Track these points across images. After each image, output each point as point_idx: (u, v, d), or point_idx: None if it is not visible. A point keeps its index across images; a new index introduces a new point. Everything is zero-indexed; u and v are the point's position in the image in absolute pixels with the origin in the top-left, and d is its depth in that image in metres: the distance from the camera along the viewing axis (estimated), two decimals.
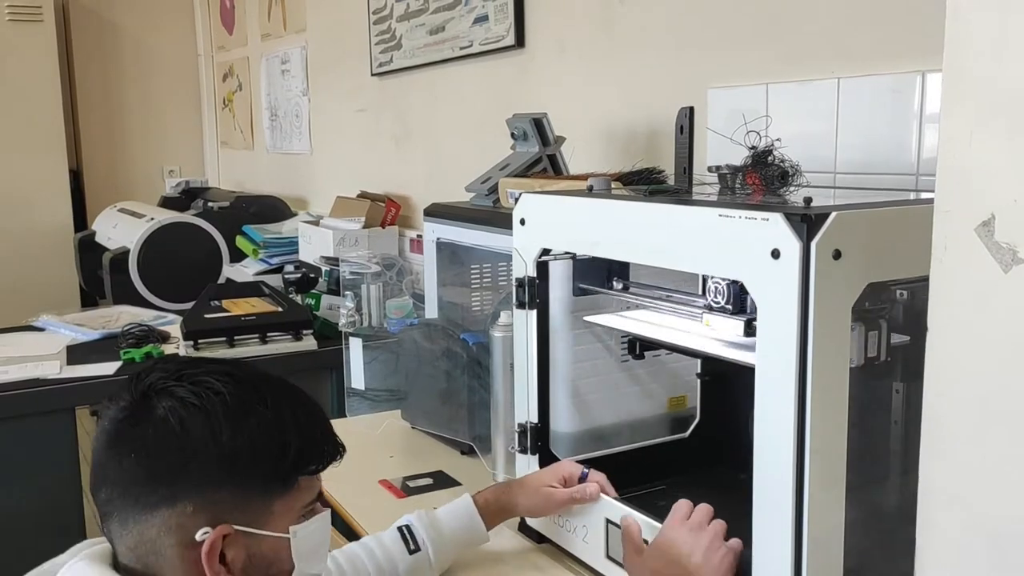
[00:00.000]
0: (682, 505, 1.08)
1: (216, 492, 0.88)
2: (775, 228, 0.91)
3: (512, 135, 1.92)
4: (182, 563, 0.88)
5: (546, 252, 1.28)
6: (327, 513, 0.98)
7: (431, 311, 1.93)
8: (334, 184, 3.52)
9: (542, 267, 1.29)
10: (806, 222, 0.89)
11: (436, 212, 1.91)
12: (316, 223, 3.12)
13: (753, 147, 1.16)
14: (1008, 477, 0.74)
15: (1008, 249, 0.72)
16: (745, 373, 1.42)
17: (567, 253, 1.29)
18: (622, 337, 1.43)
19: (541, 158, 1.90)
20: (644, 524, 1.12)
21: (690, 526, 1.05)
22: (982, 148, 0.73)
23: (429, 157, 2.95)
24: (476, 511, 1.24)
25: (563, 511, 1.25)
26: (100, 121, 4.92)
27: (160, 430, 0.87)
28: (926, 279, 0.78)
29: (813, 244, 0.88)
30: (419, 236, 2.95)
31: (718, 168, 1.19)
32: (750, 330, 1.03)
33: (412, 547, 1.20)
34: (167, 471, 0.87)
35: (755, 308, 1.03)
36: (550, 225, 1.26)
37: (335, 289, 2.74)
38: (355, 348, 1.73)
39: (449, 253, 1.92)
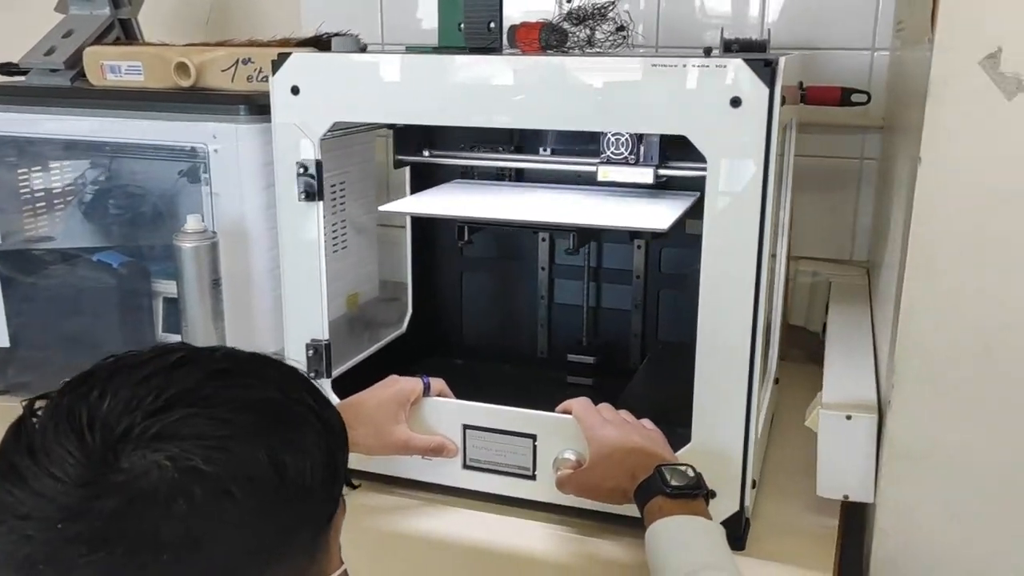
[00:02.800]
0: (584, 409, 1.01)
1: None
2: (737, 75, 0.87)
3: None
4: None
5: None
6: None
7: None
8: None
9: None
10: (770, 67, 0.87)
11: None
12: None
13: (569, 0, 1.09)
14: (997, 295, 0.85)
15: (1013, 78, 0.81)
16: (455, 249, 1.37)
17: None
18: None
19: (114, 23, 1.48)
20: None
21: (613, 423, 0.98)
22: None
23: None
24: None
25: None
26: None
27: (182, 514, 0.50)
28: None
29: (776, 89, 0.88)
30: None
31: (514, 27, 1.09)
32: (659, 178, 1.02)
33: None
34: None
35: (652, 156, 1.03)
36: (348, 92, 1.01)
37: None
38: None
39: None
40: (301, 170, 1.02)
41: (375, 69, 1.00)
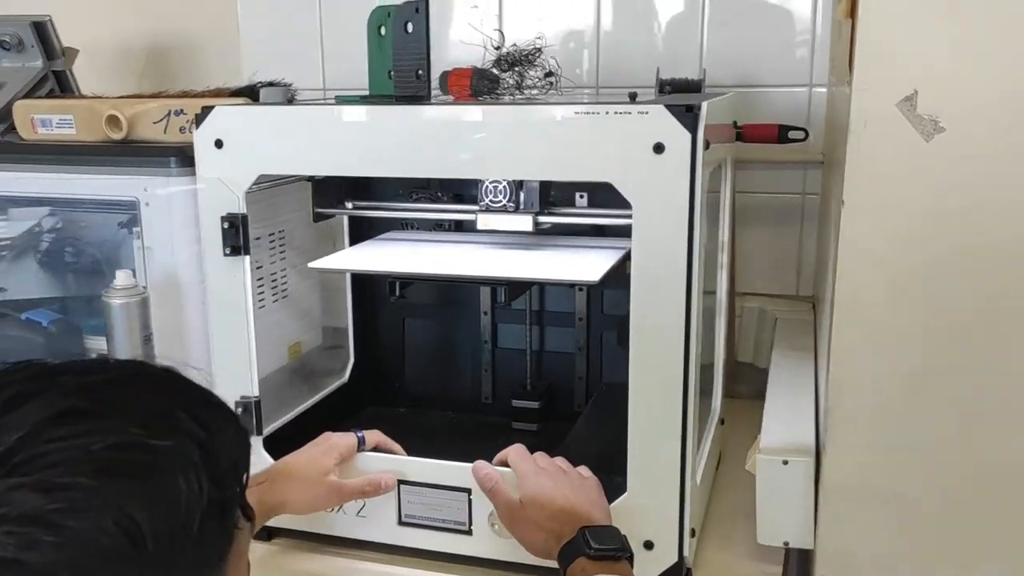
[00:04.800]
0: (519, 457, 0.98)
1: None
2: (659, 121, 0.87)
3: (1, 45, 1.43)
4: None
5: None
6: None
7: None
8: None
9: None
10: (692, 112, 0.87)
11: None
12: None
13: (498, 47, 1.08)
14: (922, 334, 0.85)
15: (930, 120, 0.81)
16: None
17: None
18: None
19: (47, 75, 1.46)
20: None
21: (547, 472, 0.95)
22: (906, 29, 0.81)
23: None
24: None
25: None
26: None
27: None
28: None
29: (699, 135, 0.87)
30: None
31: (446, 73, 1.08)
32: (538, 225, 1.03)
33: None
34: None
35: (533, 203, 1.02)
36: (272, 145, 1.00)
37: None
38: None
39: None
40: (226, 224, 1.00)
41: (298, 121, 0.99)
